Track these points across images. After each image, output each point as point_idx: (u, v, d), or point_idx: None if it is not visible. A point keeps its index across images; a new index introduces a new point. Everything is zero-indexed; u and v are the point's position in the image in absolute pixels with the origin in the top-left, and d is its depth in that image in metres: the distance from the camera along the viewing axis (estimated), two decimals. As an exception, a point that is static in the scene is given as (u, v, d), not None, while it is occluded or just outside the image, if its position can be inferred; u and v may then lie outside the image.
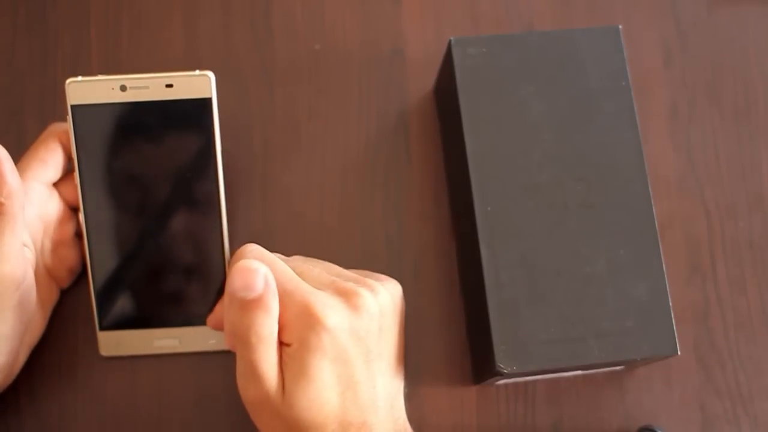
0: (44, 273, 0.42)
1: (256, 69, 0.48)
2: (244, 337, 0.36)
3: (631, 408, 0.44)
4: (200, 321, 0.43)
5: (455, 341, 0.45)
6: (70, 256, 0.43)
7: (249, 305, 0.35)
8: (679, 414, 0.45)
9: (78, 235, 0.43)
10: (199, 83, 0.40)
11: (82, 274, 0.44)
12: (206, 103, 0.40)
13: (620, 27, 0.43)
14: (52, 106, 0.47)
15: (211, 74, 0.40)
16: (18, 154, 0.41)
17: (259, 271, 0.35)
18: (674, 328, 0.39)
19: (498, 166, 0.41)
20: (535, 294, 0.39)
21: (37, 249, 0.41)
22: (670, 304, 0.40)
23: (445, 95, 0.45)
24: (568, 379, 0.44)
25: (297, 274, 0.38)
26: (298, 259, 0.40)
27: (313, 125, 0.48)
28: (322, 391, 0.36)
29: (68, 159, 0.41)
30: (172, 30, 0.49)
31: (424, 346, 0.45)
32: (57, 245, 0.42)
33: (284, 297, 0.36)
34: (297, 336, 0.36)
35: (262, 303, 0.35)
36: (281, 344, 0.37)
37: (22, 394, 0.43)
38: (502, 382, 0.43)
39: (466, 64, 0.42)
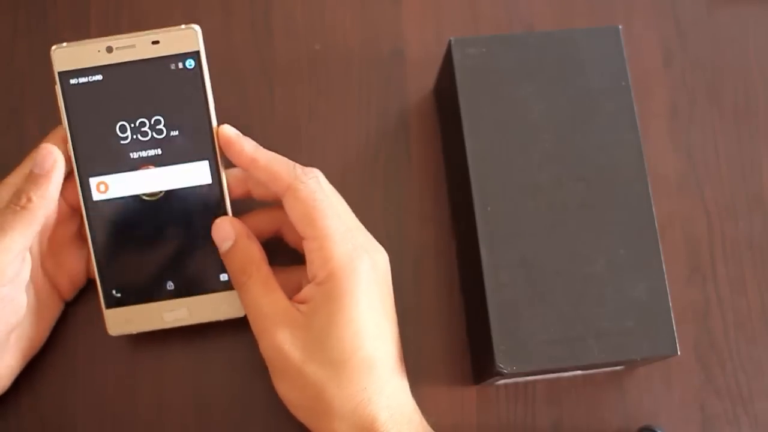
0: (43, 279, 0.41)
1: (256, 69, 0.48)
2: (238, 281, 0.39)
3: (631, 408, 0.44)
4: (208, 287, 0.41)
5: (455, 341, 0.45)
6: (70, 261, 0.42)
7: (230, 253, 0.39)
8: (679, 414, 0.45)
9: (81, 238, 0.42)
10: (185, 37, 0.39)
11: (86, 286, 0.44)
12: (195, 56, 0.39)
13: (620, 27, 0.43)
14: (52, 106, 0.47)
15: (197, 27, 0.39)
16: (18, 154, 0.41)
17: (224, 221, 0.40)
18: (674, 328, 0.39)
19: (498, 166, 0.41)
20: (535, 294, 0.39)
21: (33, 252, 0.40)
22: (670, 304, 0.40)
23: (445, 95, 0.45)
24: (568, 379, 0.44)
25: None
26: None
27: (313, 125, 0.48)
28: (359, 331, 0.37)
29: (68, 161, 0.41)
30: (172, 30, 0.49)
31: (424, 346, 0.45)
32: (57, 247, 0.42)
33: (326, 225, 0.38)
34: (336, 265, 0.37)
35: (238, 246, 0.39)
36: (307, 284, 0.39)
37: (23, 394, 0.43)
38: (502, 382, 0.43)
39: (466, 64, 0.42)
